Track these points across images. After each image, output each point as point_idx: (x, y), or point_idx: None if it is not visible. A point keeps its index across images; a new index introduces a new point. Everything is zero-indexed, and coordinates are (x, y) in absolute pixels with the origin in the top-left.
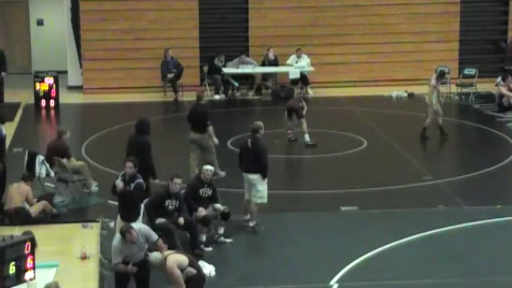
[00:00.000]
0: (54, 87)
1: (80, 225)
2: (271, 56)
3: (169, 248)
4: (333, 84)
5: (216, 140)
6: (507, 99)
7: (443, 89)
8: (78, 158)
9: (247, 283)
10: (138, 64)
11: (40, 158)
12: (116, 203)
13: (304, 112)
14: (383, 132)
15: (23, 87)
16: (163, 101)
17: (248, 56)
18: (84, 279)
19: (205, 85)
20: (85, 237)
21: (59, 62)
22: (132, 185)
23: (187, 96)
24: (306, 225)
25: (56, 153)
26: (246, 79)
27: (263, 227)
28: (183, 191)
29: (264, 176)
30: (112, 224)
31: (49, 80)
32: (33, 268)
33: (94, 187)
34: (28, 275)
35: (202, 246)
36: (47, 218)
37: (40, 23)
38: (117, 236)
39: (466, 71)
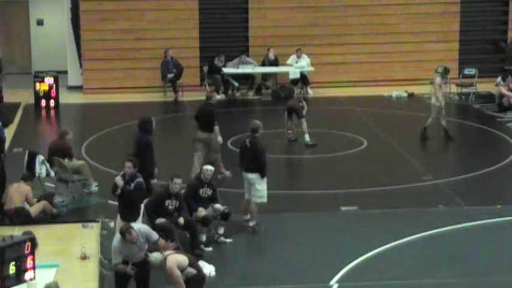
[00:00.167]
0: (54, 87)
1: (80, 225)
2: (271, 56)
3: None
4: (333, 84)
5: (220, 139)
6: (507, 99)
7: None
8: (78, 158)
9: (247, 283)
10: (138, 64)
11: (40, 158)
12: (116, 203)
13: (304, 112)
14: (383, 132)
15: (23, 87)
16: (163, 101)
17: (248, 56)
18: (84, 279)
19: (205, 85)
20: (85, 237)
21: (59, 62)
22: (132, 185)
23: (187, 96)
24: (306, 225)
25: (58, 153)
26: (246, 79)
27: (263, 227)
28: (183, 191)
29: (262, 176)
30: (112, 224)
31: (49, 80)
32: (33, 268)
33: (94, 187)
34: (28, 275)
35: (202, 246)
36: (47, 218)
37: (40, 23)
38: (117, 236)
39: (466, 71)
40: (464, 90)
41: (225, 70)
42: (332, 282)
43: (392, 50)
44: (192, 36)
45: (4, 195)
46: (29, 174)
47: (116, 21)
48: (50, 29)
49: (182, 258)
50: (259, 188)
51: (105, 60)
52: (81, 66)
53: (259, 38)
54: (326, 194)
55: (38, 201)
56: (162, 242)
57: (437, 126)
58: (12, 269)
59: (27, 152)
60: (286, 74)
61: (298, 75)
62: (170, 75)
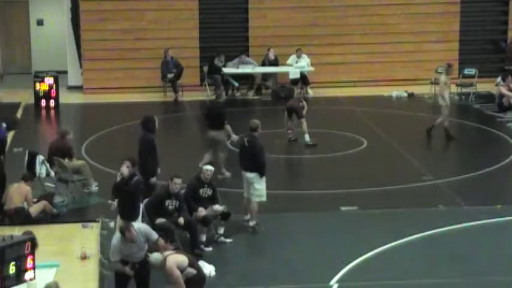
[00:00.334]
0: (54, 87)
1: (80, 225)
2: (271, 56)
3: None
4: (333, 84)
5: (234, 137)
6: (507, 99)
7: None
8: (78, 158)
9: (247, 283)
10: (138, 64)
11: (40, 158)
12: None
13: (304, 112)
14: (383, 132)
15: (23, 87)
16: (163, 101)
17: (248, 56)
18: (84, 279)
19: (205, 85)
20: (85, 237)
21: (59, 62)
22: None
23: (187, 96)
24: (306, 225)
25: (58, 153)
26: (246, 79)
27: (263, 227)
28: (183, 191)
29: (261, 175)
30: (112, 224)
31: (49, 80)
32: (33, 268)
33: (94, 187)
34: (28, 275)
35: (202, 246)
36: (47, 218)
37: (40, 23)
38: (117, 235)
39: (466, 71)
40: (464, 90)
41: (225, 70)
42: (332, 282)
43: (392, 50)
44: (192, 36)
45: (4, 195)
46: (29, 174)
47: (116, 21)
48: (50, 29)
49: (182, 259)
50: (258, 187)
51: (105, 60)
52: (81, 66)
53: (259, 38)
54: (326, 194)
55: (38, 201)
56: (161, 242)
57: (441, 128)
58: (12, 269)
59: (27, 152)
60: (286, 74)
61: (298, 75)
62: (170, 75)
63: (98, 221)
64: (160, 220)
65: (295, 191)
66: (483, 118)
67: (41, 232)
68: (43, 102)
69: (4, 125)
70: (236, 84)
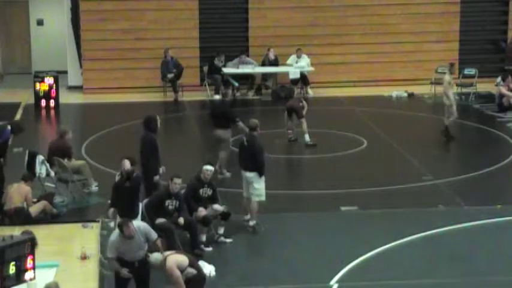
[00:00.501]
0: (54, 87)
1: (80, 225)
2: (271, 56)
3: (168, 248)
4: (333, 84)
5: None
6: (507, 99)
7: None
8: (78, 158)
9: (247, 283)
10: (138, 64)
11: (40, 158)
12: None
13: (304, 112)
14: (383, 132)
15: (23, 87)
16: (163, 101)
17: (248, 56)
18: (84, 279)
19: (205, 85)
20: (85, 237)
21: (59, 62)
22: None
23: (187, 96)
24: (306, 225)
25: (58, 153)
26: (246, 79)
27: (263, 227)
28: (183, 191)
29: (260, 174)
30: (112, 224)
31: (49, 80)
32: (33, 268)
33: (94, 187)
34: (28, 275)
35: (202, 246)
36: (47, 218)
37: (40, 23)
38: (116, 232)
39: (466, 71)
40: (464, 90)
41: (225, 70)
42: (332, 282)
43: (392, 50)
44: (192, 36)
45: (4, 196)
46: (29, 174)
47: (116, 21)
48: (50, 29)
49: (182, 259)
50: (257, 187)
51: (105, 60)
52: (81, 66)
53: (259, 38)
54: (326, 194)
55: (38, 201)
56: (159, 242)
57: (441, 125)
58: (12, 269)
59: (27, 152)
60: (286, 74)
61: (298, 75)
62: (170, 75)
63: (98, 221)
64: (160, 220)
65: (295, 191)
66: (483, 118)
67: (41, 232)
68: (43, 102)
69: (9, 127)
70: (236, 84)
